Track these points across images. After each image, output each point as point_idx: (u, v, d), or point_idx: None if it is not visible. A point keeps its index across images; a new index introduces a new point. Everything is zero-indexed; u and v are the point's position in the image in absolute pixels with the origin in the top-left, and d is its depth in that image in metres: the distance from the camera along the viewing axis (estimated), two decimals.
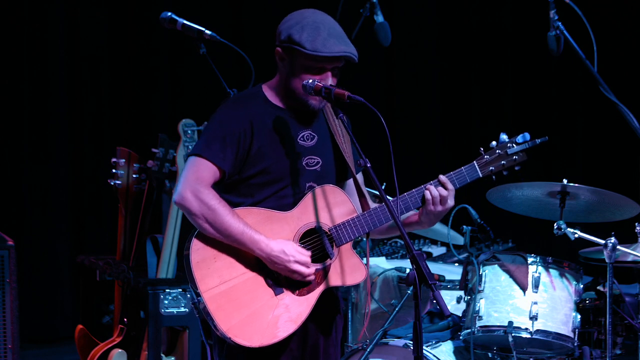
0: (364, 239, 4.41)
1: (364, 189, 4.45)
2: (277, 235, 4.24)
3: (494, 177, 4.52)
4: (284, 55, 4.29)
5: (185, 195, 4.21)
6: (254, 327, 4.19)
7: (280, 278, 4.25)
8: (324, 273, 4.29)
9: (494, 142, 4.53)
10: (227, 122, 4.27)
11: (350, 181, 4.48)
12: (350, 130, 4.35)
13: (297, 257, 4.21)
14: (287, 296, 4.25)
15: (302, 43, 4.21)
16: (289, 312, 4.25)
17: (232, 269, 4.22)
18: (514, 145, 4.53)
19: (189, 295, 4.25)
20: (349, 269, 4.34)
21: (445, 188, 4.38)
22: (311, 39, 4.20)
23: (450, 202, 4.39)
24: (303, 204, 4.29)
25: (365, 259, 4.37)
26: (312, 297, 4.29)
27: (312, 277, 4.25)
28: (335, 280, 4.32)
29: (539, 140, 4.56)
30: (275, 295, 4.23)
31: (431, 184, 4.40)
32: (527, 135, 4.54)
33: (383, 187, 4.31)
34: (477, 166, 4.49)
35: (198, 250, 4.20)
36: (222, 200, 4.22)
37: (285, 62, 4.29)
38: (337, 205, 4.35)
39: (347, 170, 4.45)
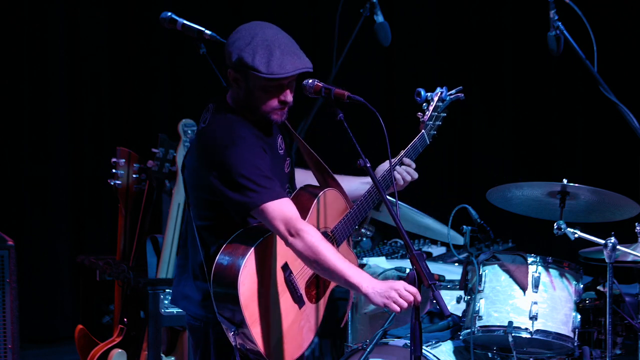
0: (364, 239, 4.43)
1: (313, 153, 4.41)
2: None
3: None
4: (238, 77, 4.13)
5: (290, 240, 4.05)
6: (286, 344, 4.19)
7: (300, 291, 4.23)
8: None
9: (425, 104, 4.58)
10: (250, 158, 4.08)
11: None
12: (350, 131, 4.33)
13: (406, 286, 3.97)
14: (307, 307, 4.26)
15: (257, 67, 4.05)
16: (309, 322, 4.27)
17: (270, 295, 4.14)
18: (440, 102, 4.62)
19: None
20: None
21: (410, 167, 4.54)
22: (265, 62, 4.04)
23: (415, 176, 4.54)
24: (310, 212, 4.26)
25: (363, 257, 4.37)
26: (323, 302, 4.32)
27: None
28: None
29: (457, 91, 4.64)
30: (300, 308, 4.23)
31: (396, 165, 4.50)
32: (446, 89, 4.60)
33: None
34: (425, 135, 4.56)
35: (245, 285, 4.07)
36: (322, 236, 4.07)
37: (241, 84, 4.14)
38: (332, 206, 4.35)
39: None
